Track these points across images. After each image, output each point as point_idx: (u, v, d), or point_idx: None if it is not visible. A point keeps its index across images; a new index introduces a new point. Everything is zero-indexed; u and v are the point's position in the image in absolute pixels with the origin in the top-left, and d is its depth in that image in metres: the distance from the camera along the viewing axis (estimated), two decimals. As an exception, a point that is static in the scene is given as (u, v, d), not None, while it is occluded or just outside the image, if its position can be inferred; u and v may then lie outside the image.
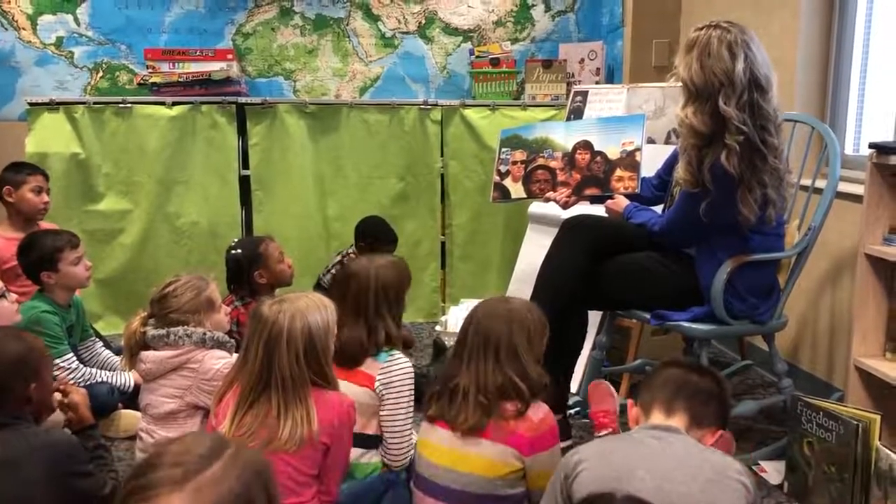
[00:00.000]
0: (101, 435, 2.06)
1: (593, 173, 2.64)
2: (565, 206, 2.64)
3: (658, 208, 2.61)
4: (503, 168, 2.80)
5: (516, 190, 2.76)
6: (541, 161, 2.74)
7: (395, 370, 2.06)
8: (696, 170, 2.20)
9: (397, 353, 2.09)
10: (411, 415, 2.09)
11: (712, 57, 2.15)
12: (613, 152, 2.62)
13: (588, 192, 2.62)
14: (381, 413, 2.05)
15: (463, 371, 1.82)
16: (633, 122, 2.66)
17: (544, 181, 2.71)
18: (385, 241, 3.42)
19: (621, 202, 2.55)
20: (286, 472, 1.71)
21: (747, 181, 2.16)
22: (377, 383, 2.04)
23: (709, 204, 2.21)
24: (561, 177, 2.68)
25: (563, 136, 2.74)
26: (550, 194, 2.66)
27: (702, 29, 2.22)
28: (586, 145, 2.67)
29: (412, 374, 2.09)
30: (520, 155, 2.79)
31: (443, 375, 1.88)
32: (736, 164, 2.13)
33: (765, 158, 2.17)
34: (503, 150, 2.84)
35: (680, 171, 2.28)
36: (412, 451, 2.06)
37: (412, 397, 2.09)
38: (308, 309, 1.79)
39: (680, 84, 2.25)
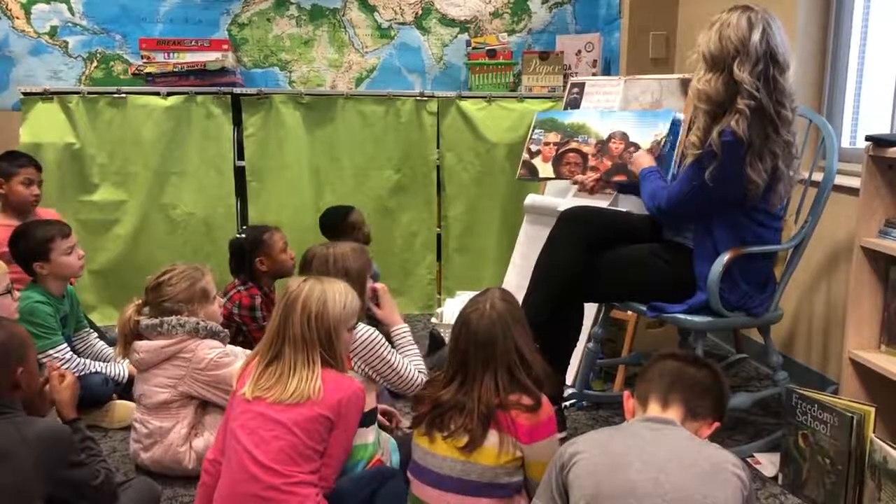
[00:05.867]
0: (87, 427, 2.06)
1: (624, 161, 2.73)
2: (592, 190, 2.72)
3: None
4: (534, 147, 2.94)
5: (545, 170, 2.90)
6: (574, 145, 2.87)
7: (359, 340, 2.08)
8: (705, 133, 2.22)
9: (359, 325, 2.09)
10: (393, 354, 2.14)
11: (731, 27, 2.19)
12: (646, 144, 2.73)
13: (616, 178, 2.71)
14: (377, 378, 2.12)
15: (465, 391, 1.79)
16: (663, 117, 2.79)
17: (574, 164, 2.85)
18: (344, 231, 3.37)
19: (643, 161, 2.57)
20: (289, 442, 1.75)
21: (757, 149, 2.16)
22: (354, 359, 2.07)
23: (716, 170, 2.19)
24: (592, 162, 2.80)
25: (598, 123, 2.88)
26: (579, 177, 2.75)
27: (724, 11, 2.25)
28: (623, 136, 2.80)
29: (377, 333, 2.12)
30: (553, 137, 2.94)
31: (435, 398, 1.83)
32: (745, 128, 2.14)
33: (777, 130, 2.18)
34: (536, 130, 2.99)
35: (689, 137, 2.30)
36: (420, 377, 2.15)
37: (389, 348, 2.14)
38: (331, 287, 1.89)
39: (685, 77, 2.27)
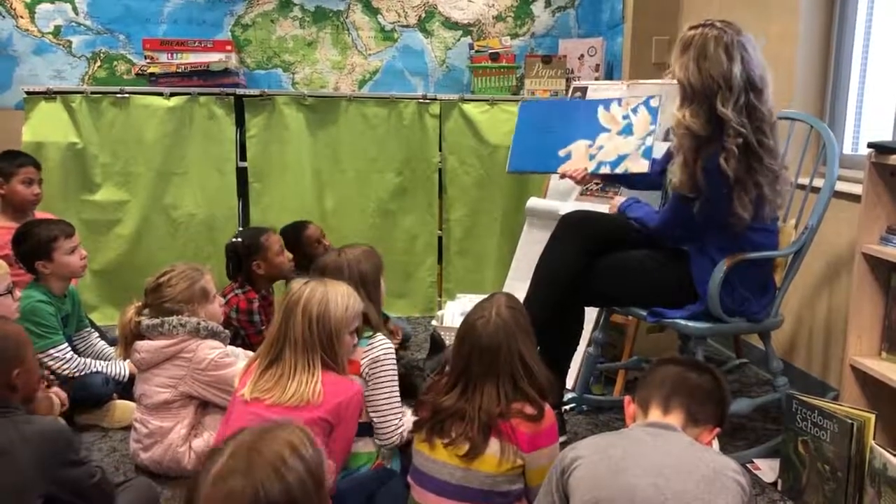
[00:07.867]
0: (88, 426, 2.06)
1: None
2: (582, 181, 2.65)
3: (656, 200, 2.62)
4: None
5: None
6: None
7: (376, 350, 2.07)
8: (692, 171, 2.19)
9: (379, 336, 2.10)
10: (396, 392, 2.08)
11: (709, 59, 2.15)
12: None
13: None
14: (366, 393, 2.05)
15: (466, 398, 1.78)
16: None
17: None
18: (302, 247, 3.31)
19: (615, 203, 2.59)
20: None
21: (743, 183, 2.16)
22: (363, 366, 2.05)
23: (702, 203, 2.21)
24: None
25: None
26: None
27: (697, 28, 2.21)
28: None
29: (393, 352, 2.11)
30: None
31: (433, 403, 1.82)
32: (734, 166, 2.13)
33: (760, 160, 2.17)
34: None
35: (675, 172, 2.27)
36: (403, 429, 2.05)
37: (395, 374, 2.09)
38: (332, 290, 1.90)
39: (676, 82, 2.25)
